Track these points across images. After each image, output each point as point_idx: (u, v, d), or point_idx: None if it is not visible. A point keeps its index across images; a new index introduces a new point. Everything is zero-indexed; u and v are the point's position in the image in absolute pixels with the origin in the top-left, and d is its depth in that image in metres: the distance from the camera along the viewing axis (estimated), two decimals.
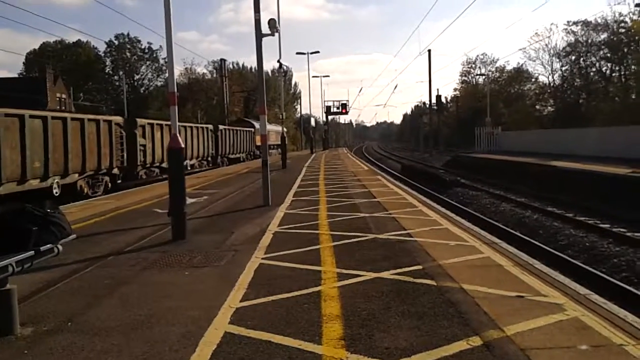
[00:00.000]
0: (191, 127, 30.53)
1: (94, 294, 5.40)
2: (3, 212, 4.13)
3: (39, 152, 15.31)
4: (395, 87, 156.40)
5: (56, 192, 16.42)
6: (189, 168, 28.49)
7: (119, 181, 20.97)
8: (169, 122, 26.59)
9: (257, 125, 30.27)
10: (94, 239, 8.40)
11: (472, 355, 3.60)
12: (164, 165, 23.53)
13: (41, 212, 4.28)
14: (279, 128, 44.16)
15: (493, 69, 74.02)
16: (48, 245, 4.28)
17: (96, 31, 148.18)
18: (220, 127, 37.54)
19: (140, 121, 23.54)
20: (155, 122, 24.94)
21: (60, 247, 4.44)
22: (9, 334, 4.20)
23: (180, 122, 26.30)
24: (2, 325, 4.22)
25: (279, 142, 36.69)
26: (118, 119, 21.57)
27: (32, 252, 4.13)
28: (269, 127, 46.39)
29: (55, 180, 16.40)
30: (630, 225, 12.87)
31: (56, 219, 4.37)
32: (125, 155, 21.48)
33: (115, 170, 20.50)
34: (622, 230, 12.40)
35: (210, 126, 35.57)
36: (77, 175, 17.57)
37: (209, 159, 33.86)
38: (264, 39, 12.74)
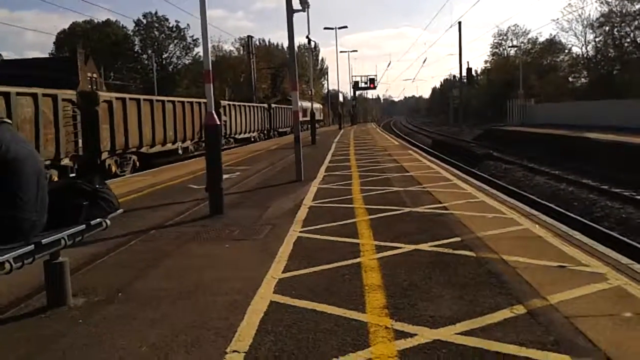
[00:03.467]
0: (252, 106, 37.59)
1: (139, 266, 5.55)
2: (56, 188, 4.25)
3: (172, 125, 21.93)
4: (425, 60, 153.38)
5: (180, 152, 23.23)
6: (252, 140, 35.48)
7: None
8: (240, 103, 31.75)
9: (302, 103, 33.97)
10: (135, 214, 8.56)
11: (517, 323, 3.62)
12: (237, 136, 32.22)
13: (91, 188, 4.39)
14: (315, 105, 47.11)
15: (525, 41, 72.20)
16: (97, 220, 4.37)
17: (125, 10, 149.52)
18: (273, 105, 44.63)
19: (223, 102, 30.33)
20: (231, 103, 32.93)
21: (108, 222, 4.53)
22: (62, 304, 4.34)
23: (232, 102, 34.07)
24: (56, 296, 4.35)
25: (316, 118, 37.89)
26: None
27: (83, 226, 4.23)
28: (305, 104, 47.25)
29: (179, 144, 23.04)
30: None
31: (105, 194, 4.47)
32: None
33: None
34: None
35: (265, 105, 43.27)
36: (189, 141, 24.30)
37: (265, 132, 40.89)
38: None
